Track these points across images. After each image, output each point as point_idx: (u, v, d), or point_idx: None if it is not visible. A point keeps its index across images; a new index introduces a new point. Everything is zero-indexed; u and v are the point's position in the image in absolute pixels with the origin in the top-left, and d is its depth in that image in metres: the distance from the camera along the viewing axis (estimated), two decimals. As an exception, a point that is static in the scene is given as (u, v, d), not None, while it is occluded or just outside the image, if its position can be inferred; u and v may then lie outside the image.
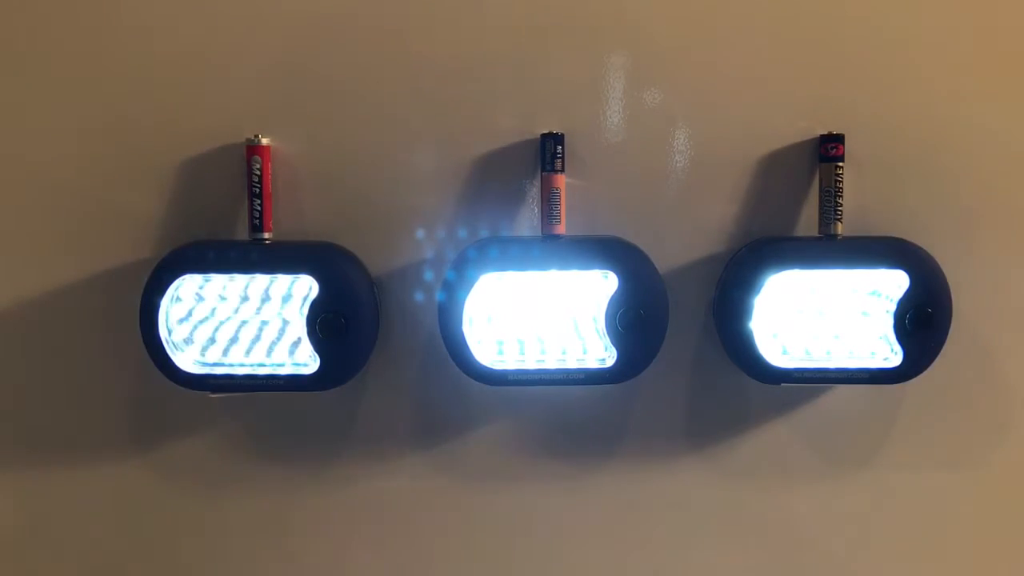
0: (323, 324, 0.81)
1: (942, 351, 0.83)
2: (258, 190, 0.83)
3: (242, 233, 0.85)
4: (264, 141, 0.83)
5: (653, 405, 0.89)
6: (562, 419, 0.90)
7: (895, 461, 0.90)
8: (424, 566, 0.91)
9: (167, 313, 0.81)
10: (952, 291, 0.83)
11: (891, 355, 0.83)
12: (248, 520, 0.90)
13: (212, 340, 0.83)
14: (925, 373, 0.84)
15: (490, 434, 0.90)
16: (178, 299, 0.82)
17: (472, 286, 0.81)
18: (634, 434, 0.90)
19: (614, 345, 0.82)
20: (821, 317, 0.85)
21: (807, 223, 0.87)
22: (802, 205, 0.88)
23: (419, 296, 0.87)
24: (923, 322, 0.82)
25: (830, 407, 0.90)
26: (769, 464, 0.90)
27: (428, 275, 0.87)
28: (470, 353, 0.81)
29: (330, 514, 0.90)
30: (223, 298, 0.83)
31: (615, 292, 0.81)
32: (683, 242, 0.88)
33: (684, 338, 0.88)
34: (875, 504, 0.91)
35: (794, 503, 0.91)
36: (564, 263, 0.82)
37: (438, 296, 0.82)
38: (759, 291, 0.82)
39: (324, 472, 0.89)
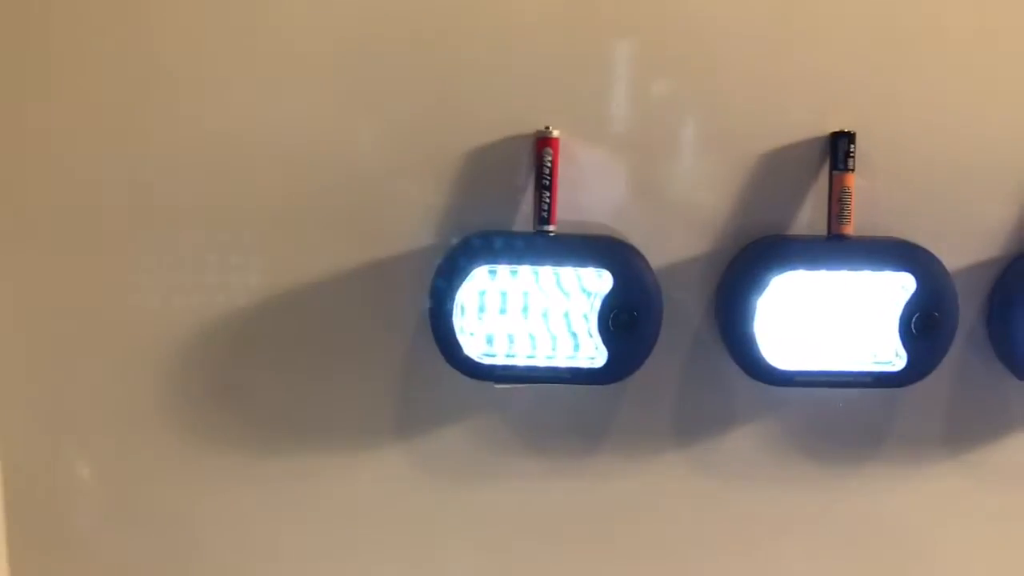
0: (615, 318, 0.81)
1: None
2: (547, 182, 0.83)
3: (516, 226, 0.85)
4: (555, 133, 0.83)
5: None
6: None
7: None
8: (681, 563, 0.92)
9: (462, 302, 0.81)
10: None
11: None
12: (508, 511, 0.91)
13: (497, 330, 0.83)
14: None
15: (757, 434, 0.90)
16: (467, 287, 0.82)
17: (762, 286, 0.80)
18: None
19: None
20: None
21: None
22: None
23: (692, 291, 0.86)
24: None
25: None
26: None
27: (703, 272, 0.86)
28: (760, 353, 0.81)
29: (585, 508, 0.90)
30: (506, 290, 0.83)
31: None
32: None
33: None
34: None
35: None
36: (856, 264, 0.81)
37: (721, 294, 0.82)
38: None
39: (584, 467, 0.90)
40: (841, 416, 0.90)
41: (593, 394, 0.87)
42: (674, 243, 0.86)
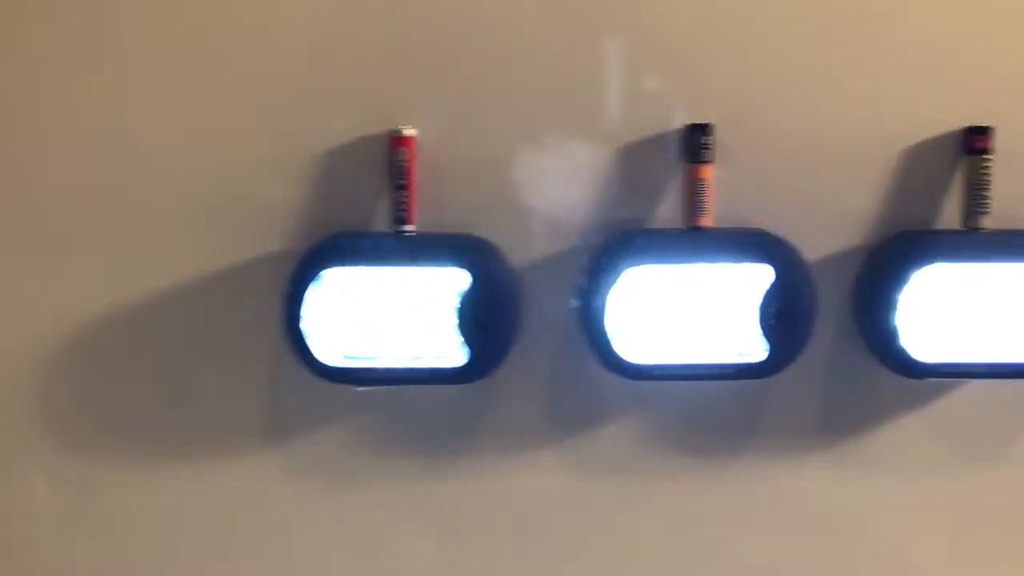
0: (474, 318, 0.80)
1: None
2: (402, 182, 0.82)
3: (379, 226, 0.84)
4: (409, 132, 0.82)
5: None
6: (700, 414, 0.89)
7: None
8: (558, 561, 0.91)
9: (311, 306, 0.80)
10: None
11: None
12: (379, 514, 0.90)
13: (355, 333, 0.82)
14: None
15: (628, 429, 0.89)
16: (321, 292, 0.81)
17: (616, 280, 0.80)
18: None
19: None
20: (967, 310, 0.84)
21: (949, 217, 0.87)
22: (944, 199, 0.86)
23: (558, 289, 0.86)
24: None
25: (968, 402, 0.89)
26: (903, 460, 0.90)
27: (567, 268, 0.85)
28: (612, 348, 0.81)
29: (461, 509, 0.90)
30: (366, 291, 0.82)
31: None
32: (826, 233, 0.87)
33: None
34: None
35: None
36: (712, 256, 0.81)
37: (581, 289, 0.82)
38: (905, 285, 0.81)
39: (457, 467, 0.89)
40: (712, 409, 0.89)
41: (459, 394, 0.86)
42: (536, 242, 0.86)
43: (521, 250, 0.86)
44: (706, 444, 0.90)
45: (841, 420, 0.90)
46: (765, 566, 0.91)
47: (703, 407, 0.89)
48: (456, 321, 0.81)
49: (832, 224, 0.87)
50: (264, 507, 0.89)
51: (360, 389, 0.84)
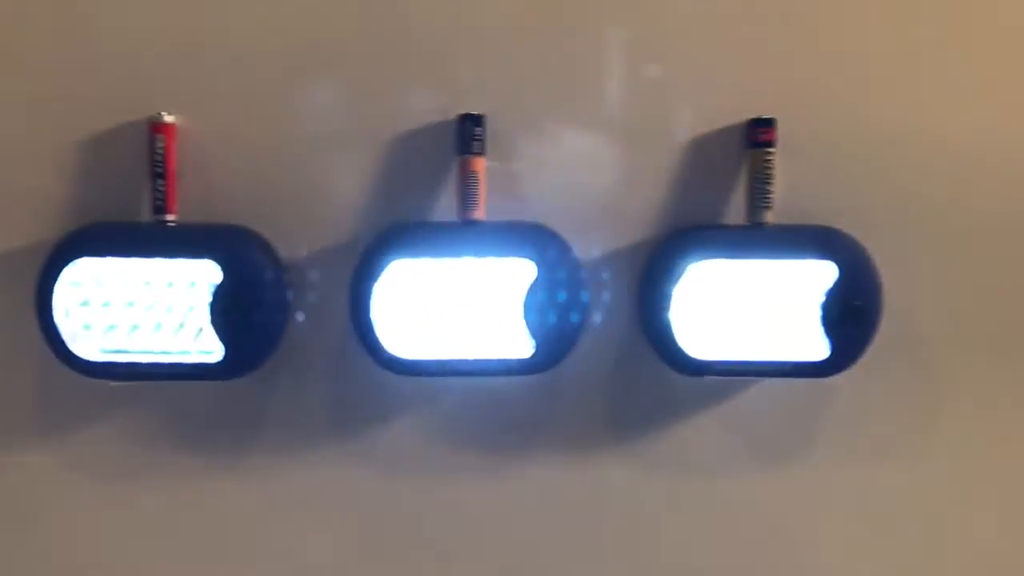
0: (226, 311, 0.77)
1: (871, 345, 0.81)
2: (161, 170, 0.79)
3: (146, 214, 0.81)
4: (168, 119, 0.79)
5: (573, 397, 0.87)
6: (481, 410, 0.87)
7: (824, 455, 0.88)
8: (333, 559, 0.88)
9: (64, 298, 0.77)
10: (884, 284, 0.80)
11: (818, 348, 0.81)
12: (153, 510, 0.87)
13: (113, 326, 0.80)
14: (854, 367, 0.81)
15: (404, 425, 0.87)
16: (77, 283, 0.78)
17: (382, 273, 0.78)
18: (555, 427, 0.87)
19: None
20: (748, 307, 0.82)
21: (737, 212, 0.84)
22: (731, 193, 0.85)
23: (331, 281, 0.83)
24: (851, 315, 0.80)
25: (760, 400, 0.87)
26: (694, 458, 0.88)
27: (340, 260, 0.83)
28: (380, 343, 0.79)
29: (236, 506, 0.87)
30: (125, 282, 0.79)
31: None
32: (609, 228, 0.84)
33: (607, 327, 0.85)
34: (801, 498, 0.89)
35: (718, 497, 0.89)
36: (482, 249, 0.79)
37: (350, 283, 0.79)
38: (678, 280, 0.79)
39: (231, 462, 0.87)
40: (500, 407, 0.87)
41: (223, 391, 0.84)
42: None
43: (290, 242, 0.83)
44: (494, 442, 0.88)
45: (629, 417, 0.88)
46: (552, 565, 0.89)
47: (491, 405, 0.87)
48: (210, 315, 0.78)
49: (616, 220, 0.84)
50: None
51: (114, 384, 0.81)
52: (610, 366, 0.87)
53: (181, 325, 0.80)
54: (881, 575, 0.90)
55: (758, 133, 0.82)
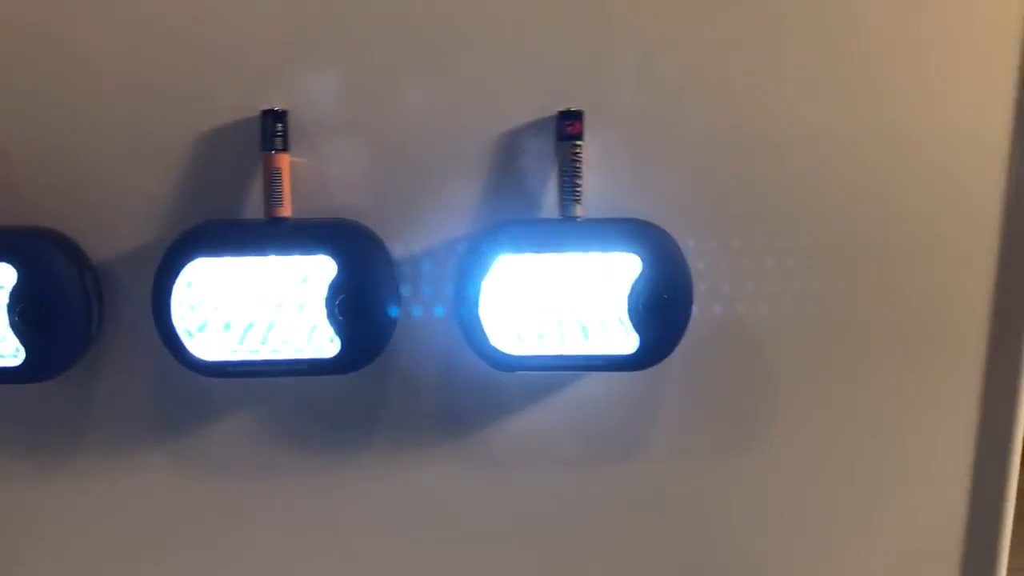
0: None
1: (685, 339, 0.81)
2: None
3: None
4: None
5: (389, 396, 0.87)
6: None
7: (650, 449, 0.89)
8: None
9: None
10: (696, 277, 0.81)
11: (627, 341, 0.81)
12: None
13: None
14: (672, 361, 0.81)
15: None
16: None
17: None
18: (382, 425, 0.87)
19: (337, 333, 0.78)
20: (558, 302, 0.82)
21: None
22: (547, 186, 0.84)
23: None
24: (658, 307, 0.80)
25: (585, 395, 0.88)
26: (524, 453, 0.88)
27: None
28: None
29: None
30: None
31: (333, 279, 0.78)
32: (424, 225, 0.84)
33: (424, 323, 0.85)
34: (629, 493, 0.89)
35: (548, 493, 0.89)
36: (286, 248, 0.78)
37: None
38: (486, 275, 0.79)
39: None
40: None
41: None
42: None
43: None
44: (315, 440, 0.88)
45: (452, 414, 0.88)
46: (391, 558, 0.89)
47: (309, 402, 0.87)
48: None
49: (431, 215, 0.84)
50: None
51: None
52: (432, 363, 0.86)
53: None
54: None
55: (566, 126, 0.81)
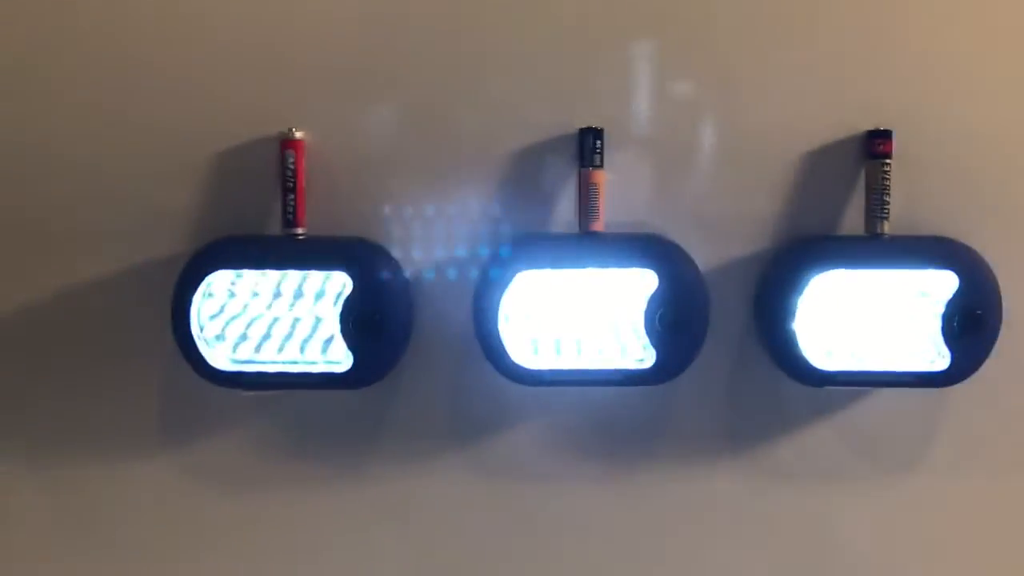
0: (357, 322, 0.79)
1: (990, 354, 0.81)
2: (292, 184, 0.82)
3: (275, 228, 0.84)
4: (298, 135, 0.82)
5: (692, 406, 0.88)
6: (599, 419, 0.88)
7: (940, 466, 0.88)
8: (455, 566, 0.90)
9: (199, 309, 0.80)
10: (1002, 293, 0.81)
11: (938, 358, 0.81)
12: (276, 518, 0.89)
13: (244, 336, 0.82)
14: (973, 376, 0.81)
15: (525, 434, 0.88)
16: (210, 295, 0.81)
17: (508, 284, 0.79)
18: (672, 436, 0.88)
19: (653, 346, 0.80)
20: (867, 318, 0.83)
21: (852, 222, 0.85)
22: (848, 203, 0.85)
23: (452, 293, 0.85)
24: (972, 324, 0.80)
25: (875, 410, 0.87)
26: (810, 468, 0.88)
27: (460, 271, 0.85)
28: (506, 352, 0.80)
29: (360, 513, 0.89)
30: (256, 294, 0.82)
31: (655, 291, 0.79)
32: (725, 239, 0.85)
33: (725, 338, 0.86)
34: (919, 509, 0.89)
35: (835, 508, 0.89)
36: (603, 260, 0.80)
37: (474, 294, 0.81)
38: (802, 291, 0.80)
39: (354, 471, 0.88)
40: (616, 415, 0.88)
41: (350, 398, 0.86)
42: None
43: (415, 254, 0.85)
44: (613, 451, 0.89)
45: (746, 427, 0.88)
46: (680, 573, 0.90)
47: (606, 413, 0.88)
48: (340, 326, 0.80)
49: (733, 229, 0.85)
50: (162, 510, 0.89)
51: (247, 394, 0.84)
52: (726, 375, 0.87)
53: (310, 335, 0.82)
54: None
55: (876, 144, 0.82)
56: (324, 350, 0.82)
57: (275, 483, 0.88)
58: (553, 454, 0.88)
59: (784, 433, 0.88)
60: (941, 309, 0.80)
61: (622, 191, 0.84)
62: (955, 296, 0.80)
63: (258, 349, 0.82)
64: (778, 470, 0.88)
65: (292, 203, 0.82)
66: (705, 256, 0.84)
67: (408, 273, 0.85)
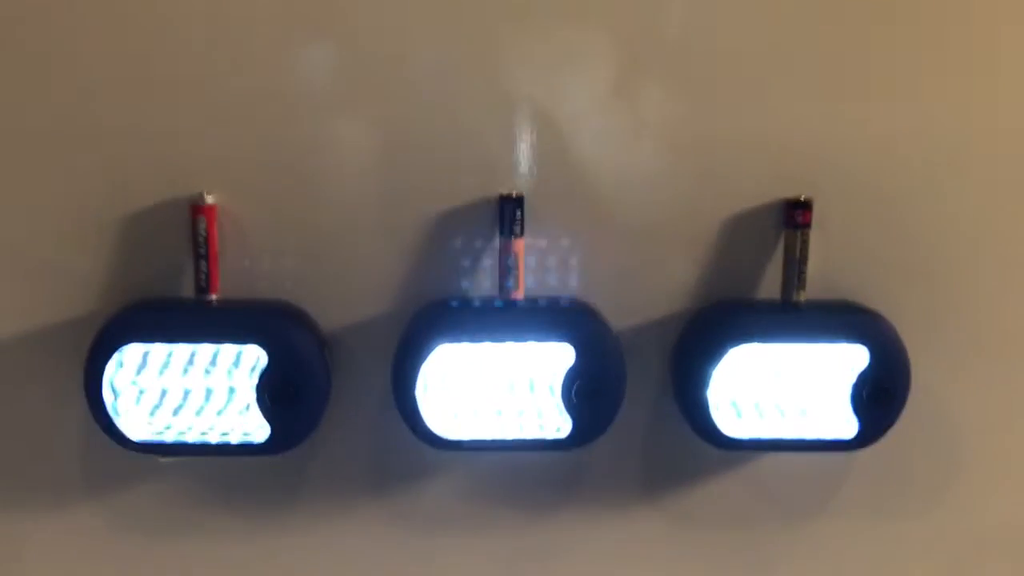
0: (273, 394, 0.79)
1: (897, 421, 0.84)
2: (204, 251, 0.80)
3: (188, 288, 0.82)
4: (210, 199, 0.80)
5: (608, 462, 0.90)
6: (518, 477, 0.90)
7: (842, 515, 0.92)
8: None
9: (111, 380, 0.79)
10: (913, 361, 0.82)
11: (846, 424, 0.83)
12: (194, 571, 0.90)
13: (159, 405, 0.81)
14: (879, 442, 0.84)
15: (446, 487, 0.90)
16: (121, 364, 0.79)
17: (427, 357, 0.79)
18: (588, 490, 0.90)
19: (570, 415, 0.80)
20: (780, 385, 0.84)
21: (770, 284, 0.86)
22: (765, 269, 0.86)
23: (373, 355, 0.84)
24: (880, 397, 0.82)
25: (785, 464, 0.90)
26: (723, 519, 0.91)
27: (381, 335, 0.84)
28: (423, 421, 0.80)
29: (282, 564, 0.90)
30: (167, 364, 0.80)
31: (572, 364, 0.79)
32: (645, 300, 0.86)
33: (642, 399, 0.87)
34: (820, 556, 0.93)
35: (750, 556, 0.92)
36: (521, 335, 0.80)
37: (393, 363, 0.81)
38: (717, 363, 0.81)
39: (277, 523, 0.89)
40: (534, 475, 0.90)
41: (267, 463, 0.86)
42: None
43: (333, 317, 0.84)
44: (532, 504, 0.90)
45: (660, 480, 0.91)
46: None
47: (525, 471, 0.89)
48: (256, 397, 0.79)
49: (654, 291, 0.86)
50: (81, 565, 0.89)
51: (163, 460, 0.84)
52: (641, 433, 0.89)
53: (225, 405, 0.81)
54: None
55: (795, 215, 0.82)
56: (242, 415, 0.82)
57: (195, 535, 0.89)
58: (472, 508, 0.90)
59: (696, 487, 0.91)
60: (852, 379, 0.82)
61: (543, 256, 0.84)
62: (866, 369, 0.81)
63: (176, 413, 0.81)
64: (689, 519, 0.91)
65: (205, 270, 0.80)
66: (624, 317, 0.85)
67: (327, 334, 0.83)
